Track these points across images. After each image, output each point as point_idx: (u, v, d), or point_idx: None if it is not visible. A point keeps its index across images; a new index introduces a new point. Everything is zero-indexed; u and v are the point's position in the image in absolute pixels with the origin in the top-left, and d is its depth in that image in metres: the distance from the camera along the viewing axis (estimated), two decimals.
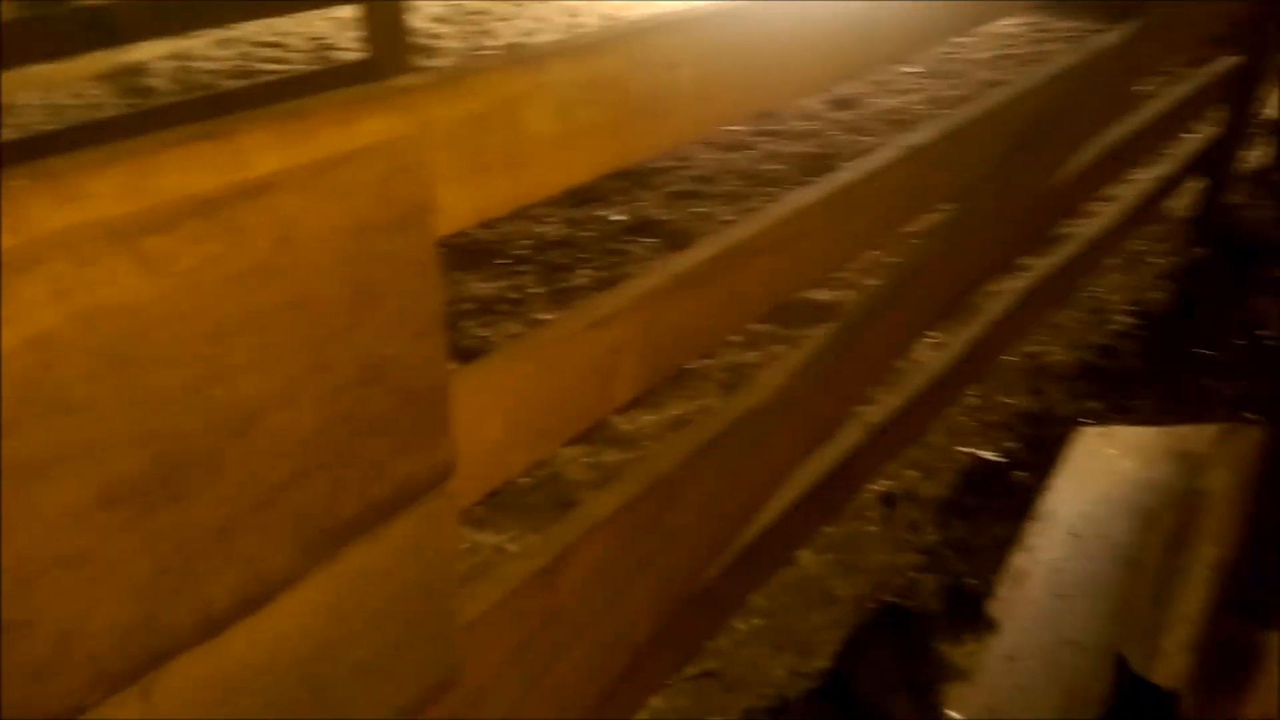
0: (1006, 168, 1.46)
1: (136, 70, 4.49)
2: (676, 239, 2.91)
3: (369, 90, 0.66)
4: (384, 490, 0.74)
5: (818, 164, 3.42)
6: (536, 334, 0.90)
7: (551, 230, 2.96)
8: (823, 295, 2.54)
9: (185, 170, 0.56)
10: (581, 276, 2.72)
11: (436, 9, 5.32)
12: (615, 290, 0.97)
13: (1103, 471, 1.84)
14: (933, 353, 1.88)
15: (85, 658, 0.58)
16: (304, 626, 0.71)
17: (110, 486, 0.57)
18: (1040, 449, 2.03)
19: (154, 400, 0.57)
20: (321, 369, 0.66)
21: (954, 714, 1.37)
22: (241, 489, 0.64)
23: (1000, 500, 1.89)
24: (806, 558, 1.69)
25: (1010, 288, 2.10)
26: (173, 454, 0.59)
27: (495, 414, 0.84)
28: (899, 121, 3.77)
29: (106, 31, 2.59)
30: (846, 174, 1.23)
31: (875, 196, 1.31)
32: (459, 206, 0.73)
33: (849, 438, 1.52)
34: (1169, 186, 2.70)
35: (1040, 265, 2.20)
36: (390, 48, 3.18)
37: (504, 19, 5.32)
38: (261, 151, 0.59)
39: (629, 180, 3.25)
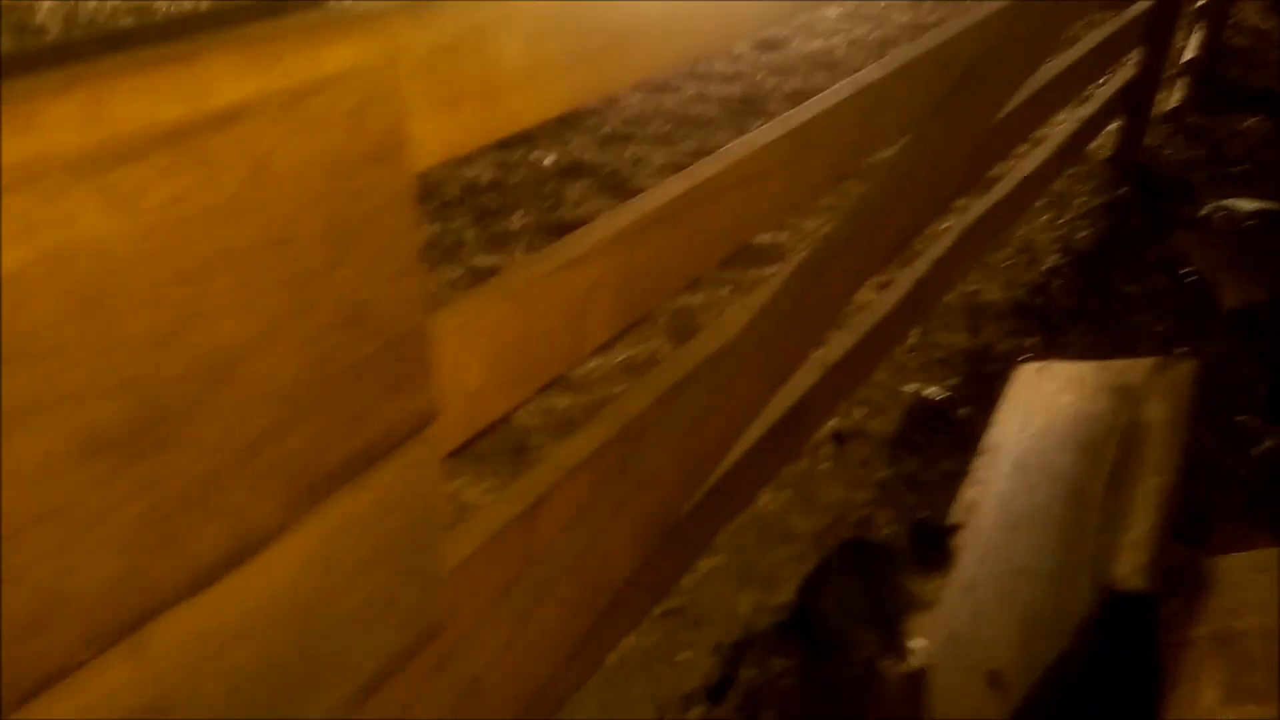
0: (953, 105, 1.47)
1: (25, 9, 4.20)
2: (608, 181, 2.88)
3: (336, 15, 0.62)
4: (367, 438, 0.71)
5: (746, 106, 3.41)
6: (511, 275, 0.87)
7: (481, 173, 2.90)
8: (763, 238, 2.54)
9: (147, 97, 0.52)
10: (516, 220, 2.67)
11: None
12: (587, 229, 0.95)
13: (1044, 406, 1.88)
14: (879, 294, 1.90)
15: (73, 615, 0.55)
16: (293, 578, 0.69)
17: (89, 437, 0.53)
18: (981, 385, 2.08)
19: (130, 346, 0.54)
20: (301, 312, 0.62)
21: (917, 641, 1.40)
22: (224, 438, 0.61)
23: (946, 435, 1.93)
24: (764, 496, 1.70)
25: (950, 227, 2.12)
26: (152, 402, 0.56)
27: (473, 358, 0.82)
28: (825, 64, 3.77)
29: None
30: (807, 110, 1.22)
31: (833, 134, 1.30)
32: (431, 140, 0.70)
33: (807, 377, 1.52)
34: (1092, 128, 2.76)
35: (976, 206, 2.23)
36: None
37: None
38: (227, 78, 0.55)
39: (557, 122, 3.20)
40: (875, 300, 1.84)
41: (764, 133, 1.18)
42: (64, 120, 0.49)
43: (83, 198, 0.50)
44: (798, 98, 3.41)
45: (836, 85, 1.31)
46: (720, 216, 1.09)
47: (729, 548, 1.61)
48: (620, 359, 2.12)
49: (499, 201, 2.77)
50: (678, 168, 2.94)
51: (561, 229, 2.56)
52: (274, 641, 0.69)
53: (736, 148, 1.12)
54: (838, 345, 1.64)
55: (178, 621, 0.62)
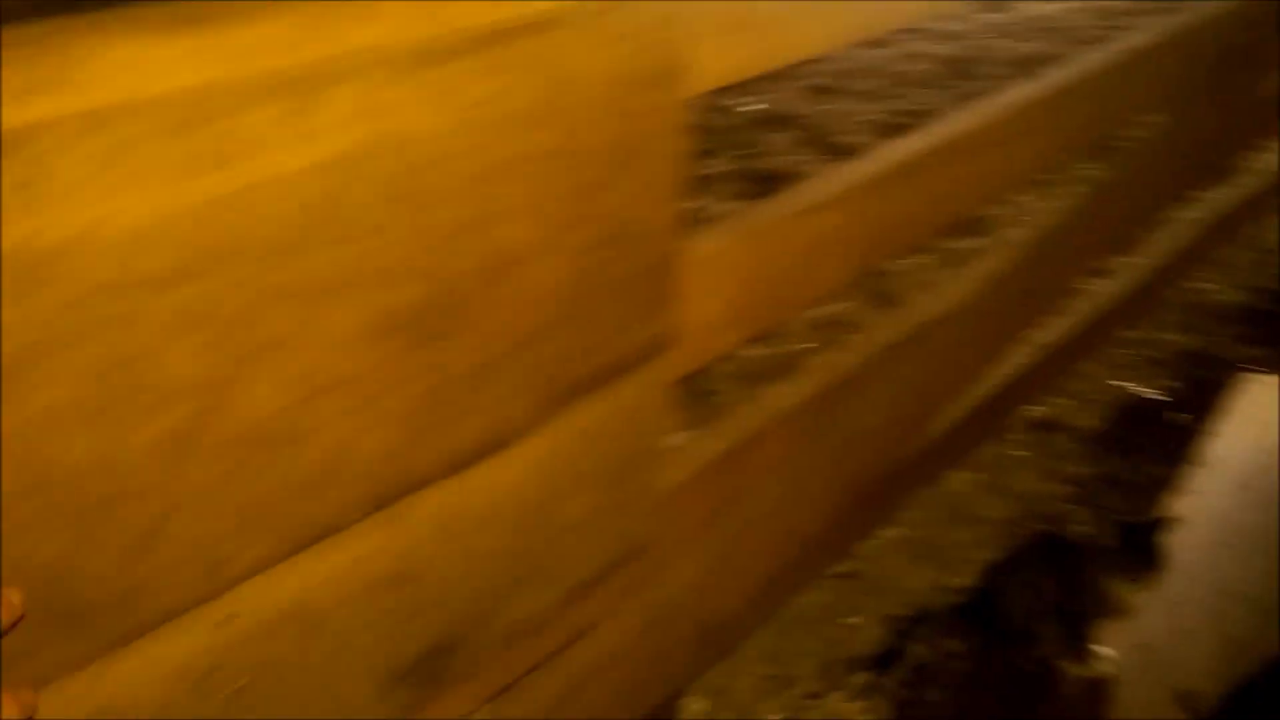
0: (1208, 88, 1.34)
1: None
2: (812, 134, 2.81)
3: None
4: (612, 353, 0.73)
5: (962, 67, 3.24)
6: (758, 212, 0.87)
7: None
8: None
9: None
10: (717, 165, 2.65)
11: None
12: (831, 174, 0.93)
13: (1273, 423, 1.74)
14: (1101, 281, 1.78)
15: (350, 478, 0.60)
16: (531, 477, 0.72)
17: (386, 317, 0.57)
18: (1198, 390, 1.93)
19: (431, 237, 0.57)
20: (577, 223, 0.64)
21: (1103, 649, 1.34)
22: (496, 335, 0.64)
23: (1154, 439, 1.81)
24: (953, 476, 1.65)
25: (1183, 218, 1.97)
26: (442, 292, 0.59)
27: (711, 291, 0.83)
28: (1047, 29, 3.52)
29: None
30: (1066, 72, 1.15)
31: (1081, 104, 1.22)
32: (709, 67, 0.70)
33: (1017, 358, 1.45)
34: None
35: (1213, 196, 2.05)
36: None
37: None
38: None
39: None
40: (1097, 287, 1.73)
41: (1022, 90, 1.12)
42: (405, 14, 0.52)
43: (408, 91, 0.52)
44: (1017, 62, 3.21)
45: (1085, 55, 1.22)
46: (968, 174, 1.05)
47: (911, 521, 1.57)
48: (812, 315, 2.08)
49: (702, 145, 2.75)
50: (886, 126, 2.85)
51: (761, 178, 2.53)
52: (506, 533, 0.73)
53: (993, 103, 1.07)
54: (1053, 329, 1.55)
55: (432, 500, 0.66)
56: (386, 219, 0.54)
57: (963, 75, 3.18)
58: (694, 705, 1.27)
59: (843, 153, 2.63)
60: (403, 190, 0.54)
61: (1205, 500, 1.53)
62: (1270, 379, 1.84)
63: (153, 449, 0.50)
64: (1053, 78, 1.16)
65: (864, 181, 0.93)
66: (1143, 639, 1.36)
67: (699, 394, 1.87)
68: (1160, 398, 1.92)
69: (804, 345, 1.95)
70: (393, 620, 0.68)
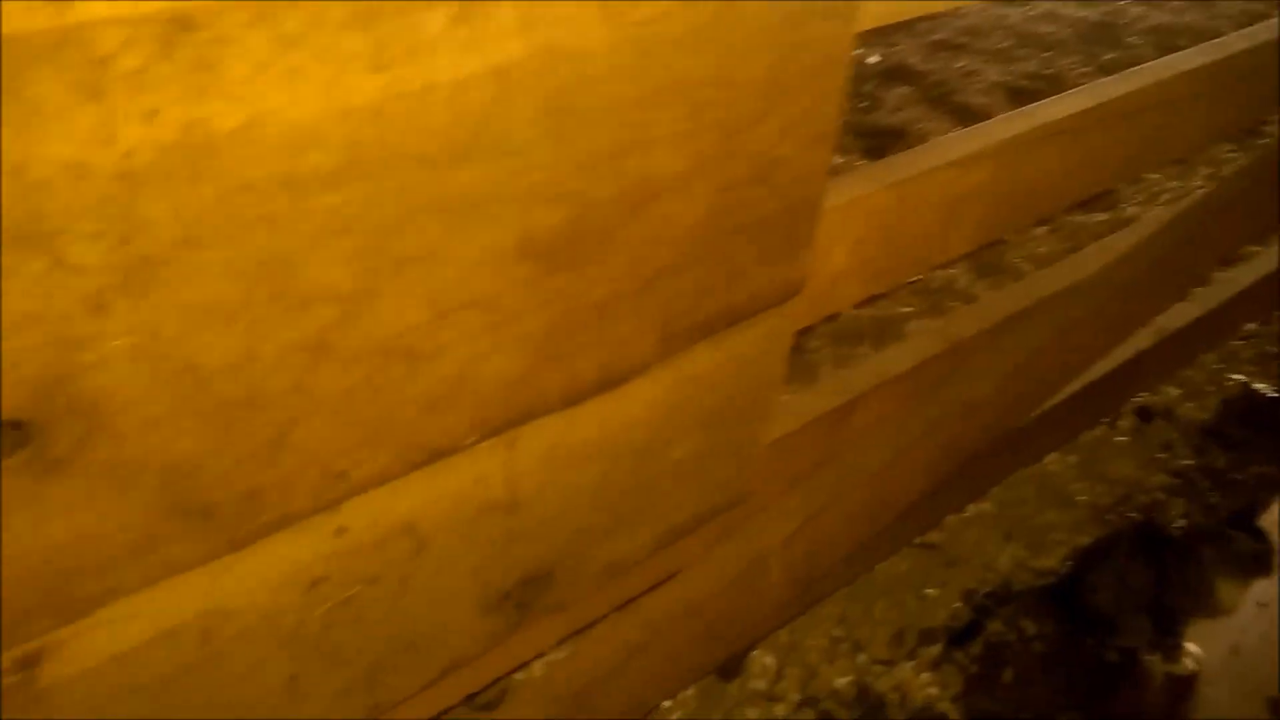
0: None
1: None
2: (932, 91, 2.70)
3: None
4: (739, 296, 0.70)
5: (1099, 33, 3.07)
6: (895, 164, 0.83)
7: None
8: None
9: None
10: None
11: None
12: (977, 131, 0.88)
13: None
14: (1233, 268, 1.69)
15: (472, 400, 0.59)
16: (644, 415, 0.71)
17: (527, 239, 0.55)
18: None
19: (579, 159, 0.55)
20: (723, 157, 0.61)
21: (1193, 647, 1.29)
22: (628, 268, 0.62)
23: (1268, 437, 1.72)
24: (1052, 456, 1.60)
25: None
26: (583, 219, 0.57)
27: (843, 241, 0.79)
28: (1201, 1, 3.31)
29: None
30: (1236, 41, 1.06)
31: (1240, 80, 1.13)
32: (879, 3, 0.66)
33: (1140, 340, 1.39)
34: None
35: None
36: None
37: None
38: None
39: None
40: (1228, 276, 1.64)
41: (1182, 59, 1.05)
42: None
43: (575, 4, 0.50)
44: (1161, 31, 3.03)
45: (1240, 33, 1.13)
46: (1117, 141, 0.99)
47: (1001, 499, 1.53)
48: (911, 280, 2.02)
49: None
50: (1012, 89, 2.73)
51: (874, 133, 2.45)
52: (614, 470, 0.72)
53: (1152, 69, 1.00)
54: (1177, 315, 1.48)
55: (546, 429, 0.65)
56: (539, 137, 0.52)
57: (1100, 41, 3.01)
58: (762, 660, 1.27)
59: (963, 113, 2.52)
60: (559, 108, 0.52)
61: None
62: None
63: (289, 354, 0.49)
64: (1205, 53, 1.08)
65: (1008, 143, 0.88)
66: (1235, 641, 1.31)
67: (791, 350, 1.84)
68: (1276, 395, 1.83)
69: (904, 309, 1.90)
70: (495, 546, 0.68)
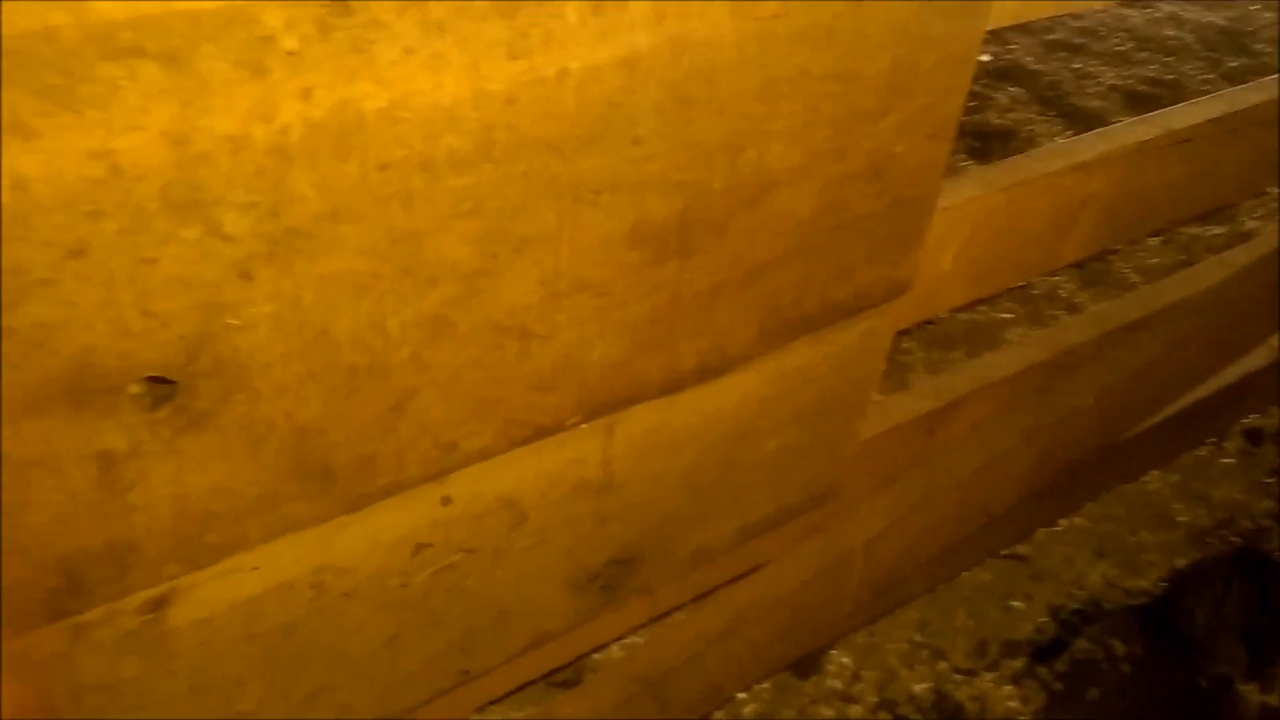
0: None
1: None
2: (1045, 93, 2.63)
3: None
4: (843, 294, 0.71)
5: (1226, 39, 2.94)
6: (1010, 167, 0.82)
7: None
8: None
9: None
10: None
11: None
12: (1097, 135, 0.86)
13: None
14: None
15: (577, 381, 0.61)
16: (740, 407, 0.72)
17: (641, 226, 0.57)
18: None
19: (698, 149, 0.56)
20: (838, 153, 0.62)
21: None
22: (735, 260, 0.63)
23: None
24: (1151, 474, 1.56)
25: None
26: (696, 209, 0.58)
27: (951, 242, 0.79)
28: None
29: None
30: None
31: None
32: (1011, 1, 0.65)
33: (1252, 360, 1.34)
34: None
35: None
36: None
37: None
38: None
39: None
40: None
41: None
42: None
43: None
44: None
45: None
46: (1228, 160, 0.96)
47: (1096, 514, 1.50)
48: (1014, 286, 1.98)
49: None
50: (1130, 94, 2.64)
51: (981, 133, 2.40)
52: (707, 459, 0.73)
53: (1270, 87, 0.96)
54: None
55: (644, 415, 0.67)
56: (661, 127, 0.54)
57: (1227, 48, 2.90)
58: (840, 660, 1.27)
59: (1076, 116, 2.46)
60: (682, 98, 0.53)
61: None
62: None
63: (412, 327, 0.52)
64: None
65: (1130, 149, 0.86)
66: None
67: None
68: None
69: (1003, 315, 1.87)
70: (588, 526, 0.70)
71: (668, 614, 0.88)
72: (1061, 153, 0.84)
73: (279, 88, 0.42)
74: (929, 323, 1.88)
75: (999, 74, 2.73)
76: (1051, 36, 2.92)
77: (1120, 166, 0.86)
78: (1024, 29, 2.93)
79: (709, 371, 0.68)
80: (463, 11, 0.44)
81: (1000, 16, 0.64)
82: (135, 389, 0.46)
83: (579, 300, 0.57)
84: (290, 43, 0.41)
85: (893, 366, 1.80)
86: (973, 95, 2.63)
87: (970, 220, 0.79)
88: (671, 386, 0.66)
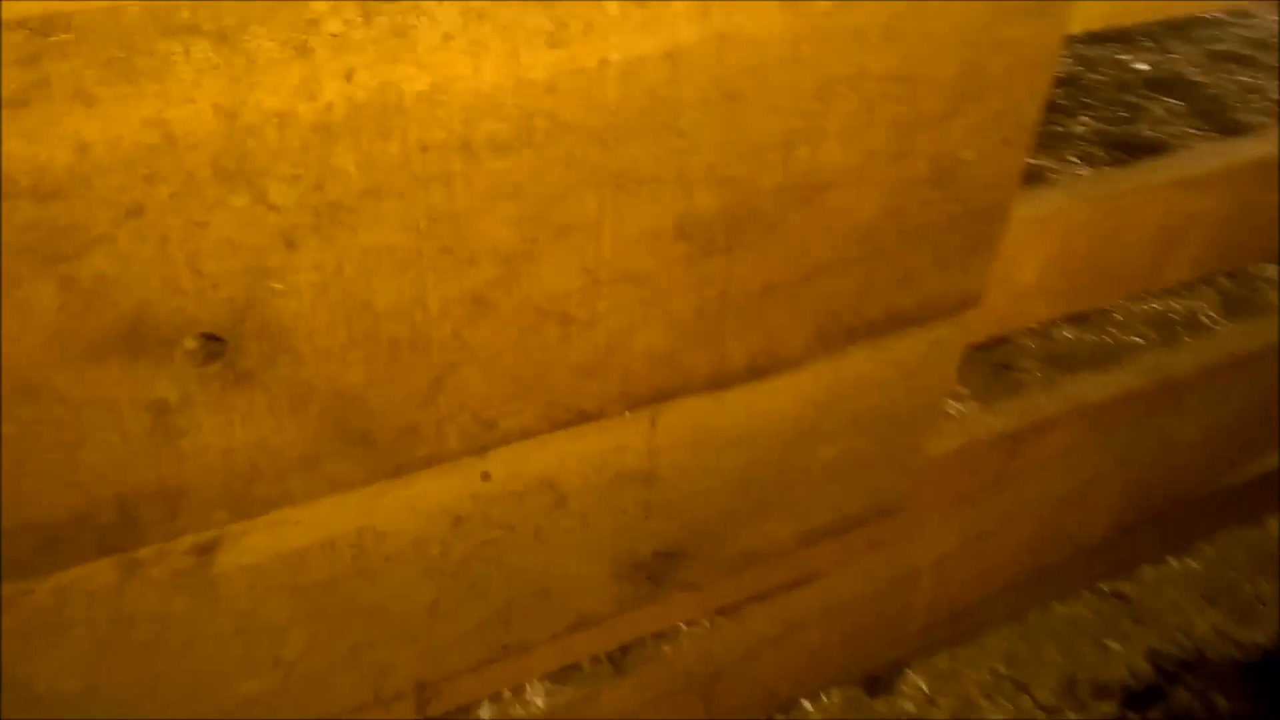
0: None
1: None
2: (1206, 106, 2.47)
3: None
4: (908, 301, 0.69)
5: None
6: (1106, 178, 0.78)
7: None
8: None
9: None
10: (1080, 124, 2.40)
11: None
12: (1213, 149, 0.81)
13: None
14: None
15: (619, 370, 0.62)
16: (794, 410, 0.71)
17: (686, 220, 0.57)
18: None
19: (747, 145, 0.56)
20: (900, 156, 0.61)
21: None
22: (788, 260, 0.62)
23: None
24: (1273, 520, 1.45)
25: None
26: (744, 205, 0.58)
27: (1034, 255, 0.76)
28: None
29: None
30: None
31: None
32: (1098, 3, 0.62)
33: None
34: None
35: None
36: None
37: None
38: None
39: (1165, 26, 2.77)
40: None
41: None
42: None
43: None
44: None
45: None
46: None
47: (1210, 556, 1.41)
48: (1149, 307, 1.88)
49: (1068, 100, 2.50)
50: None
51: (1131, 146, 2.28)
52: (758, 461, 0.73)
53: None
54: None
55: (689, 409, 0.67)
56: (707, 121, 0.54)
57: None
58: (915, 682, 1.24)
59: (1236, 131, 2.30)
60: (730, 93, 0.53)
61: None
62: None
63: (452, 305, 0.54)
64: None
65: (1248, 164, 0.81)
66: None
67: (997, 366, 1.76)
68: None
69: (1134, 339, 1.77)
70: (632, 515, 0.71)
71: (720, 611, 0.89)
72: (1168, 166, 0.79)
73: (323, 68, 0.44)
74: (1049, 340, 1.80)
75: (1157, 84, 2.59)
76: (1218, 47, 2.74)
77: (1235, 184, 0.81)
78: (1186, 37, 2.76)
79: (760, 371, 0.67)
80: None
81: (1088, 19, 0.62)
82: (188, 344, 0.49)
83: (621, 289, 0.58)
84: (335, 25, 0.44)
85: (1009, 383, 1.73)
86: (1127, 105, 2.51)
87: (1057, 232, 0.76)
88: (719, 382, 0.67)
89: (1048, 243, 0.76)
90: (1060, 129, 2.38)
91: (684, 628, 0.87)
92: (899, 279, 0.67)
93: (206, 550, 0.57)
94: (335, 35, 0.44)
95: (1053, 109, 2.46)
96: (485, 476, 0.63)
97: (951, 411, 0.88)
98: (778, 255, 0.62)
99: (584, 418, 0.64)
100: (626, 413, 0.65)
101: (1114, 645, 1.34)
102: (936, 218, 0.65)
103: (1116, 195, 0.76)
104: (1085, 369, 1.01)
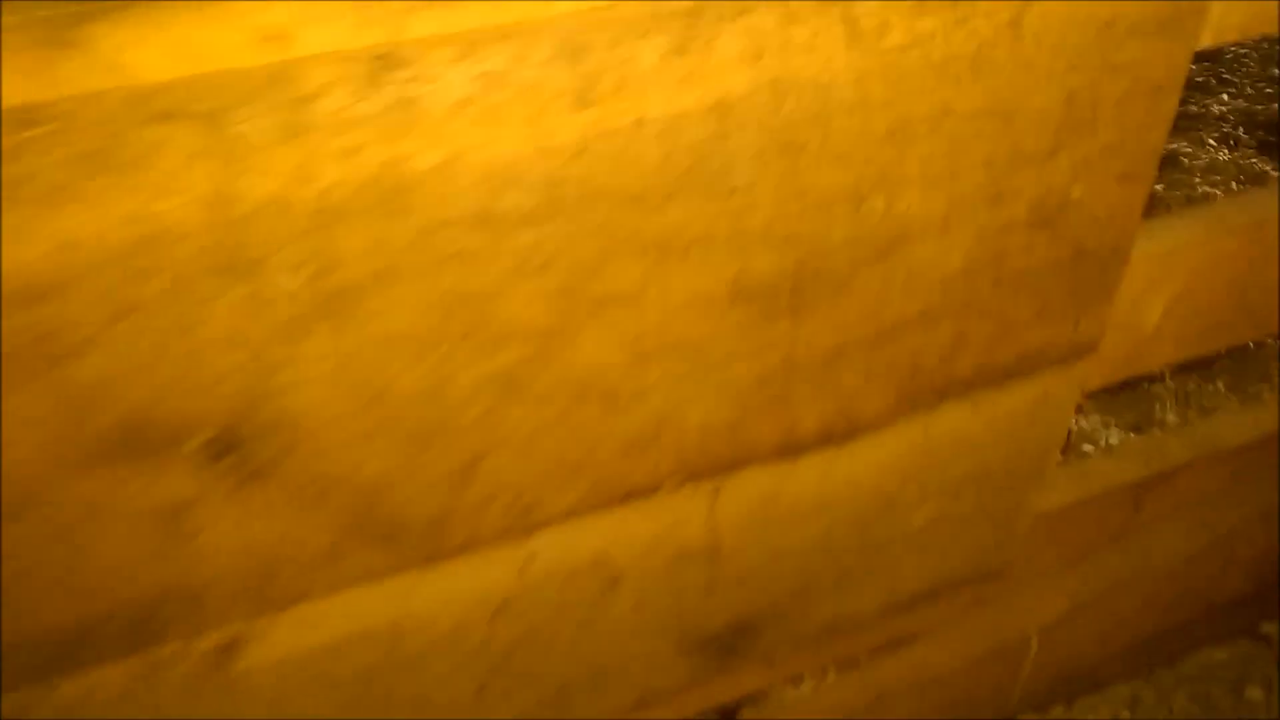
0: None
1: None
2: None
3: None
4: (1007, 355, 0.63)
5: None
6: (1247, 200, 0.69)
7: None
8: None
9: None
10: (1219, 103, 2.22)
11: None
12: None
13: None
14: None
15: (673, 444, 0.58)
16: (876, 476, 0.66)
17: (741, 283, 0.52)
18: None
19: (810, 199, 0.50)
20: (994, 199, 0.54)
21: None
22: (863, 318, 0.57)
23: None
24: None
25: None
26: (809, 263, 0.53)
27: (1162, 293, 0.68)
28: None
29: None
30: None
31: None
32: (1232, 11, 0.54)
33: None
34: None
35: None
36: None
37: None
38: None
39: None
40: None
41: None
42: None
43: (825, 26, 0.45)
44: None
45: None
46: None
47: None
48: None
49: (1205, 76, 2.32)
50: None
51: (1278, 127, 2.10)
52: (837, 532, 0.67)
53: None
54: None
55: (756, 480, 0.62)
56: (763, 175, 0.49)
57: None
58: None
59: None
60: (788, 144, 0.48)
61: None
62: None
63: (481, 387, 0.50)
64: None
65: None
66: None
67: (1120, 404, 1.64)
68: None
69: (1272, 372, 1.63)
70: (695, 592, 0.66)
71: (801, 682, 0.83)
72: None
73: (321, 148, 0.41)
74: (1180, 376, 1.67)
75: None
76: None
77: None
78: None
79: (834, 436, 0.62)
80: (523, 59, 0.42)
81: (1222, 31, 0.54)
82: (194, 442, 0.47)
83: (671, 360, 0.54)
84: (331, 101, 0.40)
85: (1132, 424, 1.61)
86: (1273, 81, 2.31)
87: (1188, 267, 0.68)
88: (788, 451, 0.61)
89: (1176, 280, 0.68)
90: (1197, 108, 2.21)
91: (764, 696, 0.82)
92: (996, 332, 0.61)
93: (230, 648, 0.54)
94: (333, 112, 0.40)
95: (1189, 86, 2.28)
96: (529, 560, 0.59)
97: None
98: (851, 314, 0.56)
99: (635, 494, 0.59)
100: (684, 487, 0.60)
101: (1255, 693, 1.23)
102: (1039, 264, 0.58)
103: (1260, 223, 0.68)
104: (1222, 409, 0.92)
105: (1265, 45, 2.41)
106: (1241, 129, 2.14)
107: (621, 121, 0.45)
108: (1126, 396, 1.56)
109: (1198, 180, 1.96)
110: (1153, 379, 1.52)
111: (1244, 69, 2.34)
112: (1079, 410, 1.46)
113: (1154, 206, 0.67)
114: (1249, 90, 2.28)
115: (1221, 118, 2.19)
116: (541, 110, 0.43)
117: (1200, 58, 2.37)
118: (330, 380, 0.47)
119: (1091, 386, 0.70)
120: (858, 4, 0.45)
